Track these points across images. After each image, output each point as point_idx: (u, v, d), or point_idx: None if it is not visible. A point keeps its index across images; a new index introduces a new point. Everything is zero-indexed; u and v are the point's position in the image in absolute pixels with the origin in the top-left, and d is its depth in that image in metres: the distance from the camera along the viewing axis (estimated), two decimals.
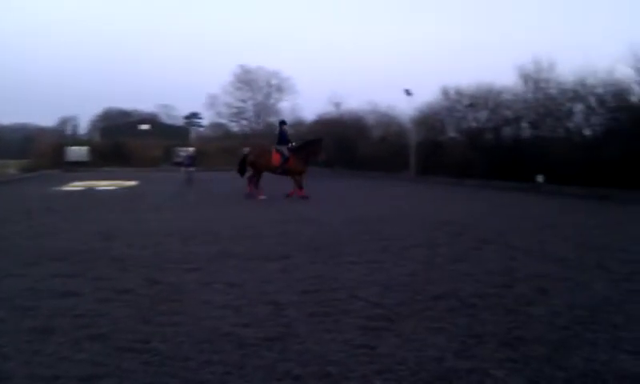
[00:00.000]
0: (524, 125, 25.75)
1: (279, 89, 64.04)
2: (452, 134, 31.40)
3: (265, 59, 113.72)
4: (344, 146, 38.56)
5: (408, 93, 32.60)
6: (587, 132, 21.98)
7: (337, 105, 48.02)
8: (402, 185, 18.65)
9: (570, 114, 22.96)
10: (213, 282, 6.08)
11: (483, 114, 28.78)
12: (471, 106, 29.16)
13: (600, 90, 21.34)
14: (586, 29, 72.25)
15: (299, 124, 53.45)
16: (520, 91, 26.46)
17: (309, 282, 6.01)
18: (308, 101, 77.36)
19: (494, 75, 74.95)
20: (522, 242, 8.80)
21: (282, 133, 18.46)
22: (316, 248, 8.22)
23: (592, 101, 21.70)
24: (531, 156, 22.44)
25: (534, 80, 25.90)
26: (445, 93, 31.13)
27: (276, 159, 17.72)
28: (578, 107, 22.53)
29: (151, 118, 73.96)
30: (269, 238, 9.32)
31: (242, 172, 18.84)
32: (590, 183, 18.67)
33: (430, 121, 32.63)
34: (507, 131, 26.76)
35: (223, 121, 68.77)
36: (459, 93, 30.32)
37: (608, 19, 69.98)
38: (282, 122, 19.50)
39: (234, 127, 67.97)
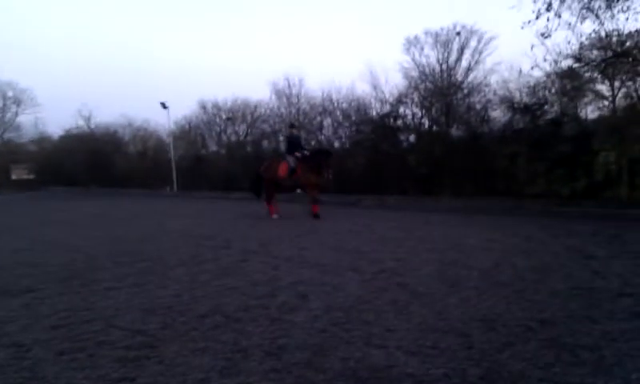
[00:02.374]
0: (280, 138, 27.30)
1: (17, 101, 57.40)
2: (214, 147, 31.80)
3: None
4: (98, 162, 36.24)
5: (164, 106, 32.02)
6: (336, 144, 24.10)
7: (87, 118, 45.01)
8: (163, 201, 18.04)
9: (320, 127, 24.98)
10: None
11: (242, 128, 29.78)
12: (229, 119, 29.90)
13: (345, 105, 23.68)
14: (330, 46, 79.27)
15: (44, 140, 48.89)
16: (275, 106, 28.08)
17: (59, 317, 5.38)
18: (54, 114, 70.66)
19: (250, 90, 77.84)
20: (284, 250, 9.15)
21: (290, 138, 15.70)
22: (68, 277, 7.42)
23: (338, 115, 23.95)
24: None
25: (286, 95, 27.71)
26: (203, 107, 31.46)
27: (283, 170, 15.05)
28: (327, 121, 24.68)
29: None
30: (10, 269, 8.16)
31: (258, 192, 15.93)
32: (342, 191, 20.49)
33: (190, 135, 32.61)
34: (266, 144, 28.06)
35: None
36: (217, 107, 30.92)
37: (349, 38, 77.93)
38: (291, 125, 16.83)
39: None
